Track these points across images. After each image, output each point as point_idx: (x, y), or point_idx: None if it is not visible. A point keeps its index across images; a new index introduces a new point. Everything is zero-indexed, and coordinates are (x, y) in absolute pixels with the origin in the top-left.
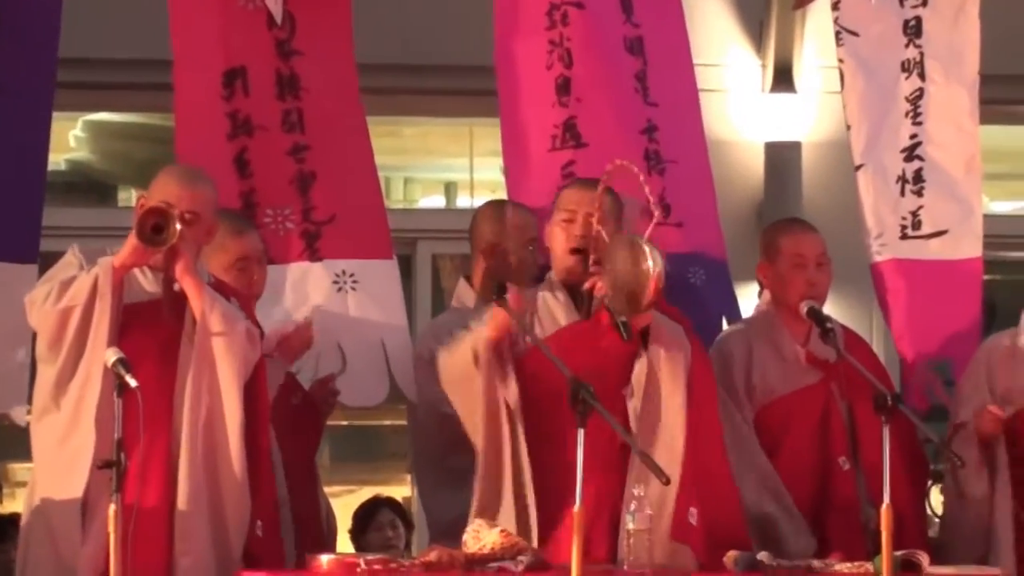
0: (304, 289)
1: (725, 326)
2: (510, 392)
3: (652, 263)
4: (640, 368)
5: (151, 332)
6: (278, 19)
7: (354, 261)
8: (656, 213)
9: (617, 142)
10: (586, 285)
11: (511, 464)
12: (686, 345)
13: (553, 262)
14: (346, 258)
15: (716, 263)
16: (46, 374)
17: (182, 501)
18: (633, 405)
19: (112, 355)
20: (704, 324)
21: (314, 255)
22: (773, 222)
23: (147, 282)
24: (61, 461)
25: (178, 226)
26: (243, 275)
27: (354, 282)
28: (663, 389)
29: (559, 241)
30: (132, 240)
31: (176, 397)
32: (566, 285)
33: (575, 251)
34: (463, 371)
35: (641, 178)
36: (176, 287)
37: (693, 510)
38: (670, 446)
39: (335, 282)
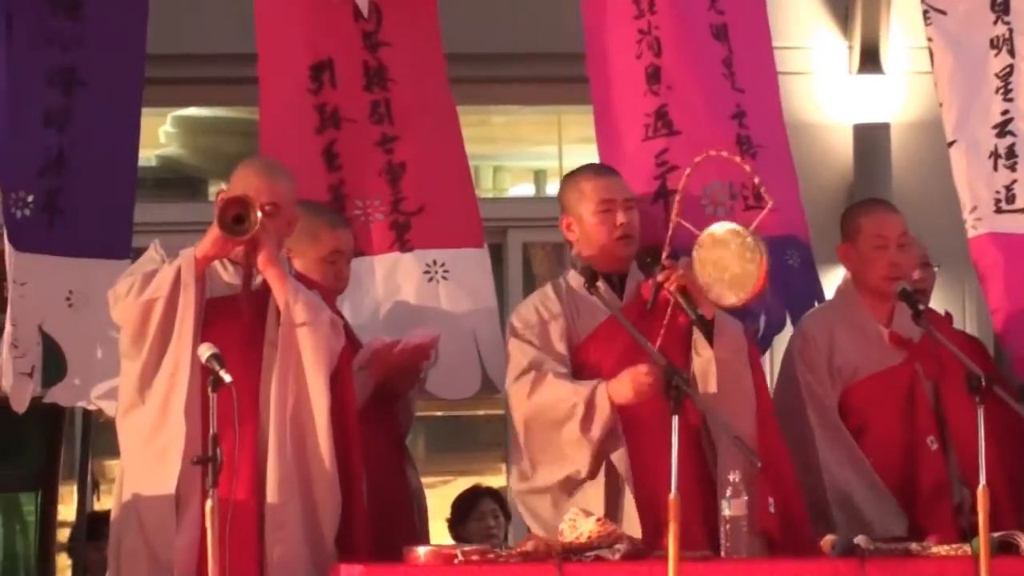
0: (395, 280)
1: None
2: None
3: (761, 253)
4: (707, 360)
5: (233, 325)
6: (364, 12)
7: (445, 251)
8: (768, 201)
9: (709, 128)
10: (659, 278)
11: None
12: (744, 340)
13: (591, 251)
14: (437, 248)
15: (805, 247)
16: (130, 369)
17: (272, 493)
18: (701, 397)
19: (206, 350)
20: (799, 307)
21: (404, 246)
22: (853, 204)
23: (228, 275)
24: (150, 456)
25: (259, 215)
26: (332, 268)
27: (445, 272)
28: (733, 380)
29: (601, 230)
30: (213, 230)
31: (261, 390)
32: (604, 274)
33: (624, 237)
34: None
35: (748, 168)
36: (257, 280)
37: (771, 500)
38: (745, 436)
39: (426, 272)
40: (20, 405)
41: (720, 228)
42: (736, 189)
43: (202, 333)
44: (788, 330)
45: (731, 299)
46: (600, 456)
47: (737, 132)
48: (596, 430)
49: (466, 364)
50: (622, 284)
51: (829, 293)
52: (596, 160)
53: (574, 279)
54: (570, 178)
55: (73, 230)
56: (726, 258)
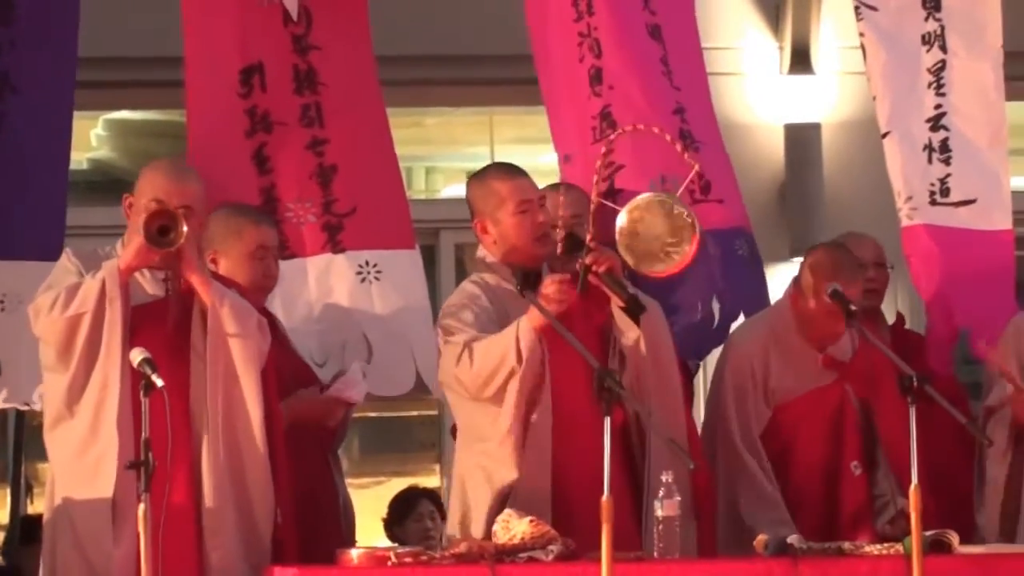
0: (328, 281)
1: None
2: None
3: (688, 212)
4: (634, 340)
5: (159, 332)
6: (294, 15)
7: (377, 252)
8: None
9: (651, 124)
10: (587, 261)
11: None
12: (665, 319)
13: (507, 251)
14: (369, 248)
15: (751, 238)
16: (57, 383)
17: (208, 498)
18: (627, 380)
19: (138, 355)
20: (750, 296)
21: (337, 247)
22: (809, 250)
23: (146, 282)
24: (83, 468)
25: (185, 228)
26: (260, 264)
27: (378, 272)
28: (661, 361)
29: (521, 232)
30: (137, 242)
31: (193, 394)
32: (524, 271)
33: (543, 236)
34: (496, 368)
35: (678, 147)
36: (175, 285)
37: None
38: (674, 420)
39: (359, 273)
40: None
41: (645, 198)
42: (681, 182)
43: (130, 341)
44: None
45: (661, 267)
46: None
47: (680, 127)
48: (524, 349)
49: (399, 363)
50: (538, 280)
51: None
52: (529, 159)
53: (491, 279)
54: (480, 180)
55: (6, 233)
56: (655, 227)
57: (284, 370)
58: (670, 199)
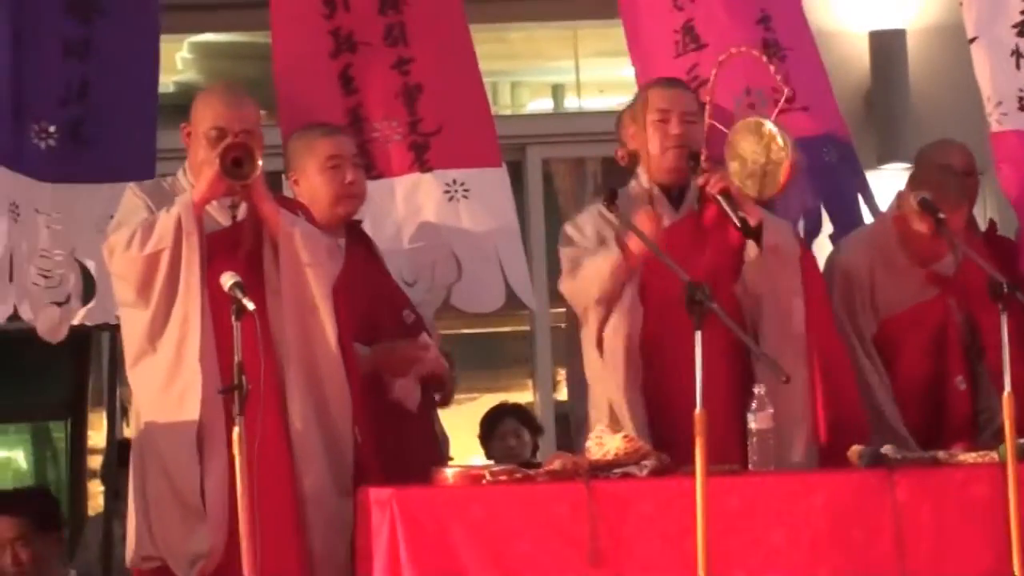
0: (416, 200)
1: (862, 204)
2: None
3: (784, 142)
4: (756, 266)
5: (232, 259)
6: None
7: (464, 171)
8: (785, 93)
9: (735, 36)
10: (699, 182)
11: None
12: (796, 241)
13: (648, 163)
14: (456, 167)
15: (844, 144)
16: (138, 319)
17: (296, 423)
18: (747, 304)
19: (229, 279)
20: (841, 203)
21: (424, 166)
22: (918, 169)
23: (214, 211)
24: (169, 402)
25: (260, 161)
26: (337, 174)
27: (465, 191)
28: (782, 286)
29: (655, 140)
30: (210, 174)
31: (271, 321)
32: (662, 186)
33: (677, 147)
34: (593, 279)
35: (765, 59)
36: (240, 213)
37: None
38: (794, 343)
39: (446, 191)
40: (54, 334)
41: (745, 121)
42: (767, 94)
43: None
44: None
45: (756, 191)
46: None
47: (763, 36)
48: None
49: (489, 279)
50: (681, 197)
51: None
52: (614, 72)
53: (633, 189)
54: (639, 94)
55: (99, 157)
56: (752, 150)
57: (376, 290)
58: (763, 123)
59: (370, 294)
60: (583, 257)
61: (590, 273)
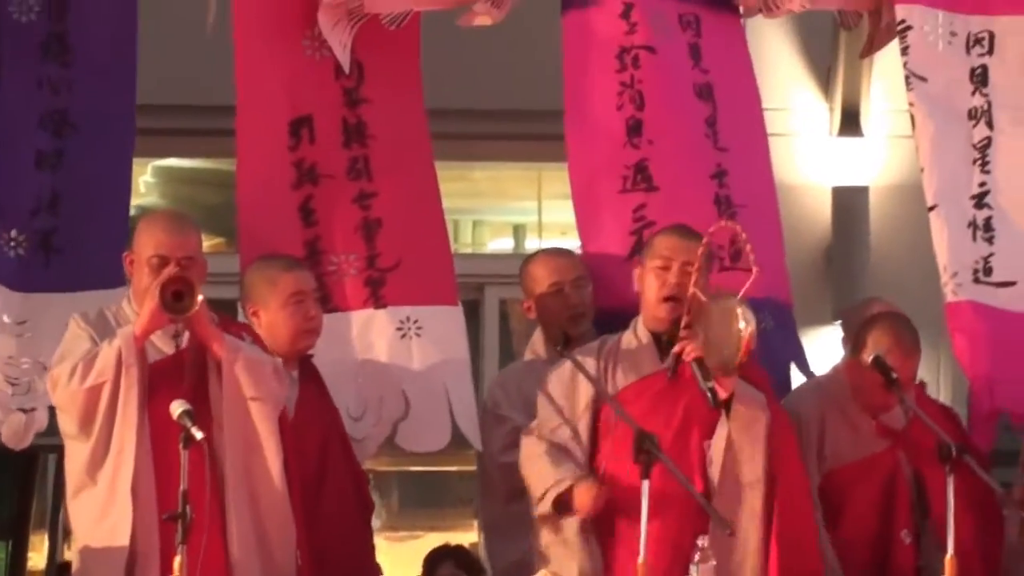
0: (368, 336)
1: (793, 371)
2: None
3: (745, 324)
4: (720, 435)
5: (177, 388)
6: (346, 68)
7: (419, 308)
8: (753, 265)
9: (688, 186)
10: (675, 349)
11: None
12: (766, 412)
13: (643, 308)
14: (411, 304)
15: (784, 309)
16: (80, 451)
17: (235, 549)
18: (712, 471)
19: (178, 407)
20: (772, 371)
21: (379, 302)
22: (871, 320)
23: (158, 339)
24: (102, 533)
25: (200, 296)
26: (300, 308)
27: (418, 328)
28: (742, 456)
29: (652, 288)
30: (151, 308)
31: (216, 446)
32: (653, 332)
33: (669, 299)
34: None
35: (743, 235)
36: (185, 337)
37: None
38: (751, 512)
39: (399, 329)
40: (19, 441)
41: (716, 299)
42: (713, 249)
43: (149, 402)
44: None
45: (719, 370)
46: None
47: (716, 192)
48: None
49: (437, 418)
50: (671, 345)
51: (809, 356)
52: (571, 215)
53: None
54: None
55: (70, 266)
56: (717, 328)
57: (316, 418)
58: (730, 302)
59: (321, 429)
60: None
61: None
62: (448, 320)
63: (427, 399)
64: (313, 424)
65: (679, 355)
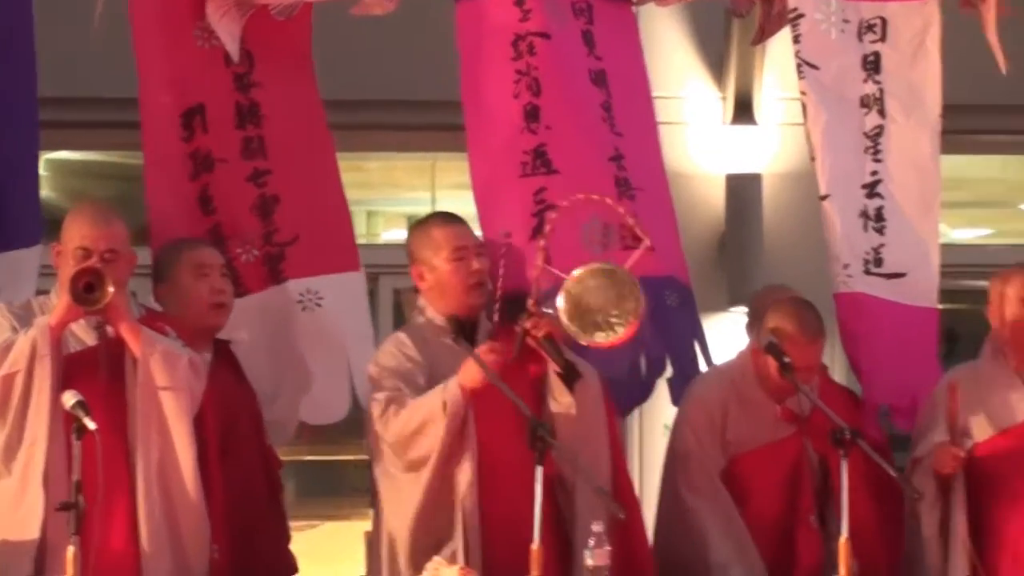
0: (272, 314)
1: (697, 350)
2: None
3: (638, 299)
4: (566, 407)
5: (94, 379)
6: (235, 58)
7: (319, 278)
8: (646, 242)
9: (588, 169)
10: (526, 325)
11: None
12: (600, 385)
13: (444, 299)
14: (311, 275)
15: (685, 288)
16: None
17: (145, 544)
18: (558, 443)
19: (71, 398)
20: (679, 347)
21: (278, 277)
22: (775, 306)
23: (80, 330)
24: (15, 523)
25: (111, 288)
26: (206, 282)
27: (319, 299)
28: (591, 426)
29: (455, 279)
30: (64, 300)
31: (130, 440)
32: (458, 320)
33: (477, 285)
34: (420, 429)
35: (621, 210)
36: (110, 331)
37: None
38: (603, 483)
39: (299, 302)
40: None
41: (592, 267)
42: (614, 229)
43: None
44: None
45: (603, 338)
46: (450, 436)
47: (616, 174)
48: (449, 414)
49: (336, 389)
50: (473, 331)
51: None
52: (470, 205)
53: (427, 327)
54: (420, 227)
55: None
56: (599, 297)
57: (225, 400)
58: (618, 272)
59: (229, 410)
60: (395, 401)
61: (419, 412)
62: (349, 287)
63: (329, 370)
64: (220, 406)
65: (527, 331)
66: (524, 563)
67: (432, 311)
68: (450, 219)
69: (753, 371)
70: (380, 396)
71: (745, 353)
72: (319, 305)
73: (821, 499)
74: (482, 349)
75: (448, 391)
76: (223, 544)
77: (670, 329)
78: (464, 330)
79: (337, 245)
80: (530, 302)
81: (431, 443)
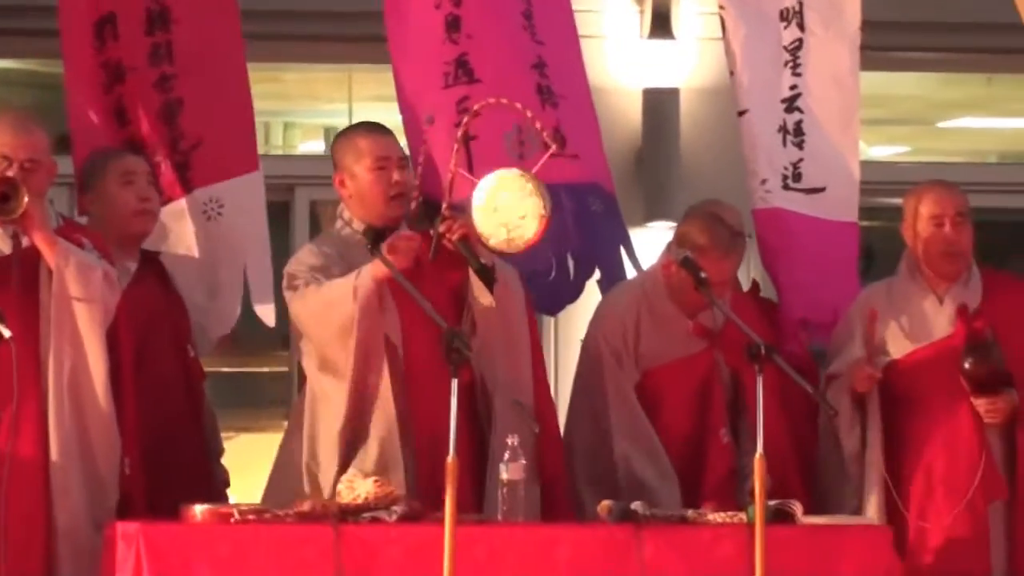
0: (183, 224)
1: (623, 256)
2: (392, 326)
3: (543, 202)
4: (486, 308)
5: (7, 288)
6: None
7: (220, 185)
8: (552, 147)
9: (510, 77)
10: (440, 228)
11: (382, 403)
12: (521, 286)
13: (364, 208)
14: (213, 182)
15: (609, 195)
16: None
17: (55, 454)
18: (476, 344)
19: None
20: (604, 253)
21: (187, 186)
22: (688, 220)
23: None
24: None
25: (26, 198)
26: (131, 189)
27: (219, 208)
28: (511, 327)
29: (376, 189)
30: None
31: (43, 350)
32: (375, 230)
33: (398, 196)
34: (332, 303)
35: (529, 113)
36: (26, 241)
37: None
38: (522, 387)
39: (204, 212)
40: None
41: (501, 174)
42: (534, 135)
43: None
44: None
45: (512, 239)
46: (364, 331)
47: (538, 82)
48: (360, 300)
49: (233, 298)
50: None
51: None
52: (388, 117)
53: (348, 236)
54: (345, 135)
55: None
56: (509, 203)
57: (145, 309)
58: (524, 177)
59: (149, 319)
60: (313, 283)
61: (332, 291)
62: (246, 190)
63: (229, 280)
64: (138, 319)
65: (441, 235)
66: (442, 476)
67: (352, 219)
68: (376, 129)
69: (664, 285)
70: (298, 282)
71: (656, 267)
72: (220, 214)
73: (733, 413)
74: (397, 236)
75: (360, 278)
76: (135, 458)
77: (596, 234)
78: (381, 240)
79: (238, 148)
80: (444, 206)
81: (341, 317)
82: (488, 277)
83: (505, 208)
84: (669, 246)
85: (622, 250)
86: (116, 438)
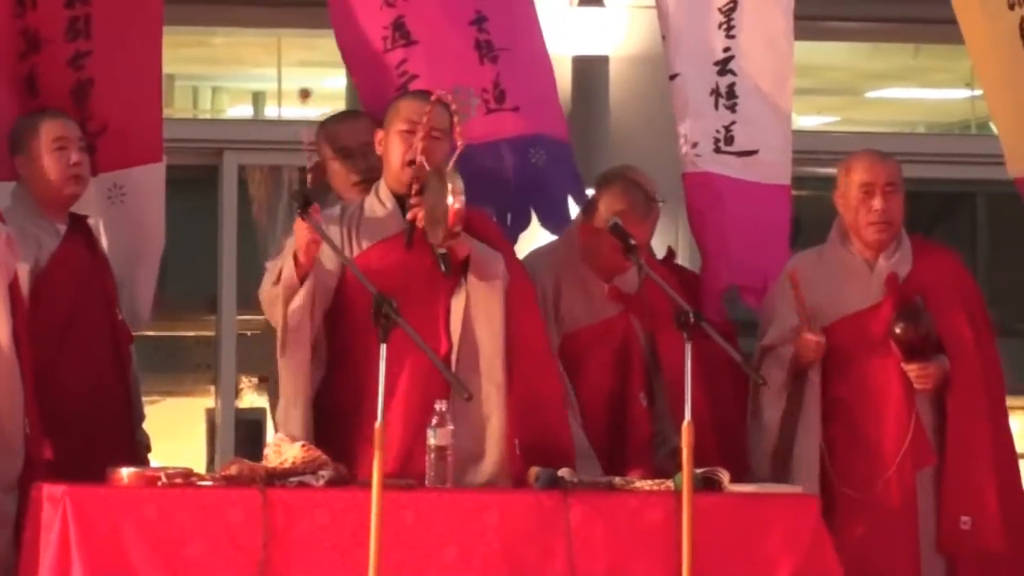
0: (91, 208)
1: (572, 206)
2: (317, 305)
3: (452, 198)
4: (459, 299)
5: None
6: None
7: (124, 171)
8: (474, 102)
9: (445, 35)
10: (409, 216)
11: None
12: (503, 274)
13: (386, 171)
14: (117, 169)
15: (558, 144)
16: None
17: None
18: (453, 337)
19: None
20: (550, 204)
21: (95, 170)
22: (605, 186)
23: None
24: None
25: None
26: (63, 155)
27: (122, 194)
28: (480, 320)
29: (396, 151)
30: None
31: None
32: (398, 196)
33: (412, 163)
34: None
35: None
36: None
37: (516, 441)
38: (491, 377)
39: (109, 197)
40: None
41: (433, 171)
42: (477, 93)
43: None
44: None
45: (449, 235)
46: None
47: (476, 37)
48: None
49: (145, 287)
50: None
51: None
52: (316, 82)
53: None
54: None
55: None
56: (434, 198)
57: (72, 274)
58: (439, 169)
59: (77, 283)
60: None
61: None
62: (149, 180)
63: (131, 271)
64: (68, 279)
65: (413, 221)
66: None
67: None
68: (418, 96)
69: (580, 249)
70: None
71: (572, 230)
72: (122, 201)
73: (649, 376)
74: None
75: (286, 258)
76: (34, 418)
77: (538, 187)
78: (402, 204)
79: (145, 135)
80: (413, 191)
81: (277, 306)
82: (445, 264)
83: (432, 204)
84: (584, 210)
85: (570, 199)
86: (19, 396)
